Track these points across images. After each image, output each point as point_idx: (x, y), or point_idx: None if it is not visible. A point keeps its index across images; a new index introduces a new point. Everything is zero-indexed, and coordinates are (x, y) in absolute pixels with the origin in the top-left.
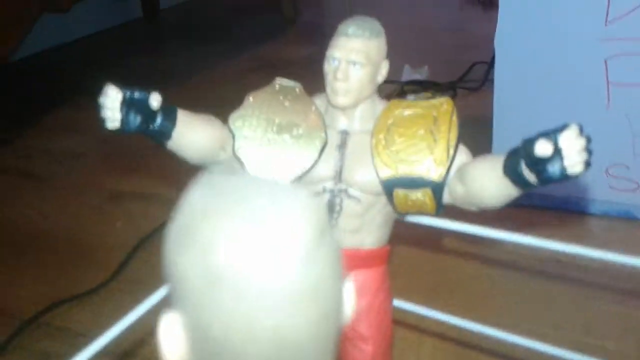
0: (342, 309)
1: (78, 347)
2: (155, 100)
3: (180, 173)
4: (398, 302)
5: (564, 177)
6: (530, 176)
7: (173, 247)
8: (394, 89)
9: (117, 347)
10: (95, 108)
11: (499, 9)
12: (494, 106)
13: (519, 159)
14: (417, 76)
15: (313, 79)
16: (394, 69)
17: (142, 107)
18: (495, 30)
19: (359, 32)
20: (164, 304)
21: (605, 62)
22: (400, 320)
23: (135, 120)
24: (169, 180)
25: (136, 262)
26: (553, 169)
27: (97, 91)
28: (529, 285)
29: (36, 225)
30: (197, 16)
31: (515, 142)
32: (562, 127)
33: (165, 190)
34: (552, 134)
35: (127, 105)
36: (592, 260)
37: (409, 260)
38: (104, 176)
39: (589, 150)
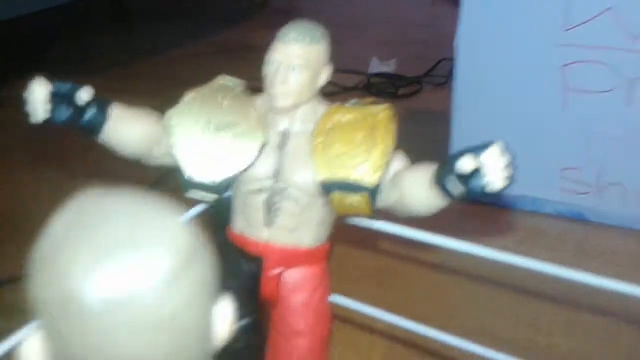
0: (210, 335)
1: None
2: (86, 92)
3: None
4: (338, 298)
5: (486, 193)
6: (456, 189)
7: (34, 274)
8: (360, 81)
9: None
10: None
11: (461, 8)
12: (453, 102)
13: (446, 172)
14: (385, 69)
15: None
16: (362, 61)
17: (71, 99)
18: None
19: (300, 37)
20: None
21: (563, 68)
22: (342, 317)
23: (66, 112)
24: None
25: None
26: (476, 184)
27: (48, 68)
28: (471, 287)
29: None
30: None
31: (474, 138)
32: (486, 145)
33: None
34: (475, 152)
35: (57, 98)
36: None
37: (350, 259)
38: (61, 154)
39: (512, 167)
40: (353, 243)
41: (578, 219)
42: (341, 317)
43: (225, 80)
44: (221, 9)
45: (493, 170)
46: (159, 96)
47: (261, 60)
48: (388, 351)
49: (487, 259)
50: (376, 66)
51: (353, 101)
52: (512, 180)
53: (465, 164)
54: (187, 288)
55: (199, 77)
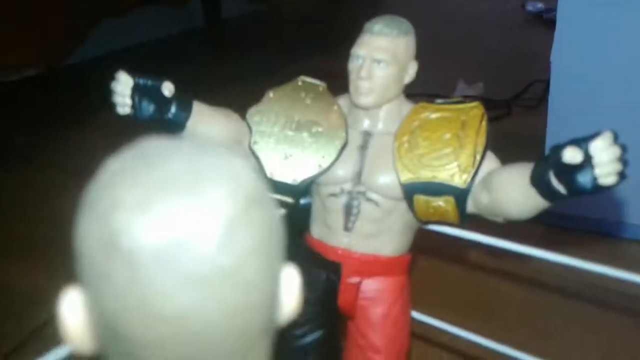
0: (277, 300)
1: None
2: (167, 88)
3: None
4: (418, 315)
5: (595, 188)
6: (558, 186)
7: (79, 214)
8: (428, 100)
9: None
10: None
11: (557, 27)
12: (548, 126)
13: (547, 168)
14: (471, 92)
15: None
16: (448, 84)
17: (154, 95)
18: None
19: (386, 30)
20: None
21: None
22: (421, 335)
23: (149, 107)
24: None
25: None
26: (583, 179)
27: None
28: (554, 306)
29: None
30: (257, 27)
31: None
32: (595, 135)
33: None
34: (582, 141)
35: (140, 92)
36: (620, 282)
37: (434, 273)
38: None
39: (624, 161)
40: (435, 253)
41: None
42: (419, 334)
43: (306, 79)
44: (312, 38)
45: (604, 161)
46: None
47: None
48: None
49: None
50: (462, 89)
51: (440, 100)
52: (624, 175)
53: (573, 154)
54: (247, 236)
55: None
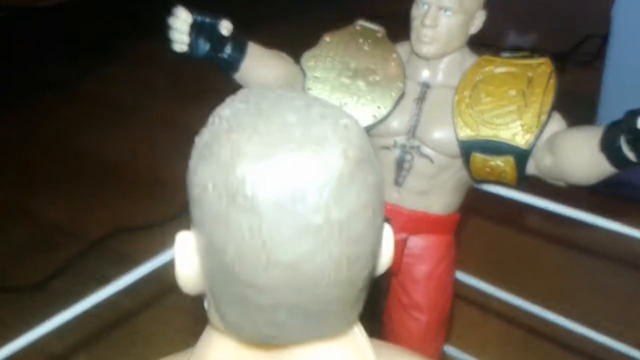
0: (378, 254)
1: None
2: (225, 28)
3: None
4: (463, 276)
5: None
6: (629, 153)
7: (197, 157)
8: (493, 52)
9: (168, 275)
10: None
11: None
12: (603, 85)
13: (619, 133)
14: (523, 43)
15: (399, 36)
16: (497, 33)
17: (211, 33)
18: (613, 2)
19: None
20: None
21: None
22: (465, 296)
23: (205, 46)
24: None
25: None
26: None
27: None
28: (611, 279)
29: (112, 155)
30: None
31: None
32: None
33: None
34: None
35: (197, 30)
36: None
37: (483, 233)
38: (181, 112)
39: None
40: (485, 214)
41: None
42: (462, 294)
43: (364, 24)
44: None
45: None
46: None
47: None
48: (505, 333)
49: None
50: (514, 40)
51: (506, 53)
52: None
53: None
54: (356, 192)
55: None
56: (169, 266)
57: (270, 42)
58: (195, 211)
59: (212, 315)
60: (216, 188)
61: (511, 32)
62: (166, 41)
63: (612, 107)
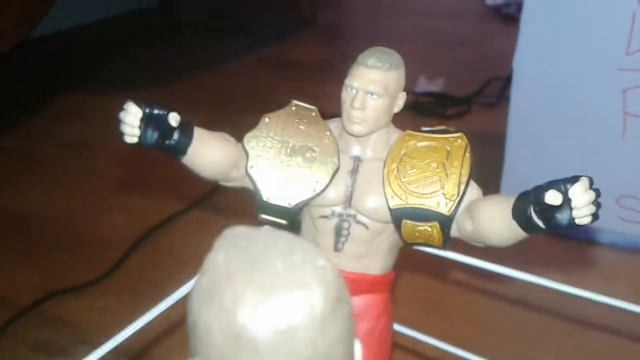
0: None
1: (73, 339)
2: (173, 119)
3: (186, 170)
4: (398, 327)
5: (571, 226)
6: (538, 221)
7: (200, 303)
8: (407, 100)
9: (129, 349)
10: (104, 94)
11: (520, 28)
12: (508, 124)
13: (528, 204)
14: (432, 88)
15: (326, 81)
16: (409, 79)
17: (160, 123)
18: (514, 46)
19: (379, 63)
20: (178, 306)
21: (624, 92)
22: (400, 344)
23: (153, 135)
24: (176, 176)
25: (136, 257)
26: (561, 217)
27: (105, 79)
28: (532, 320)
29: (36, 212)
30: (213, 9)
31: (527, 161)
32: (573, 179)
33: (169, 185)
34: (562, 185)
35: (146, 121)
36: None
37: (415, 288)
38: (109, 166)
39: (597, 204)
40: (417, 271)
41: (633, 248)
42: (399, 344)
43: (299, 104)
44: (269, 24)
45: (581, 204)
46: (207, 111)
47: (309, 75)
48: None
49: (545, 289)
50: (423, 85)
51: (426, 128)
52: (597, 216)
53: (554, 197)
54: (337, 325)
55: (246, 91)
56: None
57: (195, 90)
58: (199, 346)
59: None
60: (222, 330)
61: (422, 78)
62: (118, 134)
63: (517, 144)
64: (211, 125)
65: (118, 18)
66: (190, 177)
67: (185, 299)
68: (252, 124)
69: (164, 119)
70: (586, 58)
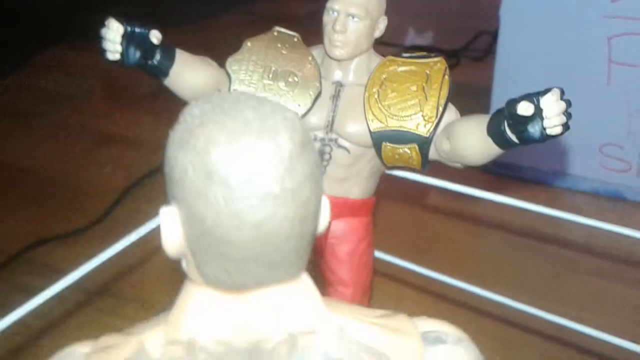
0: (319, 217)
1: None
2: (154, 36)
3: (172, 120)
4: (381, 254)
5: (544, 137)
6: (511, 136)
7: (175, 147)
8: (395, 53)
9: (92, 283)
10: (86, 48)
11: None
12: (494, 78)
13: (501, 119)
14: (421, 41)
15: (312, 37)
16: (397, 33)
17: (142, 42)
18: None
19: None
20: (138, 244)
21: (609, 40)
22: (383, 272)
23: (135, 54)
24: (161, 127)
25: (123, 206)
26: (533, 129)
27: (89, 31)
28: (502, 247)
29: (26, 164)
30: None
31: None
32: (545, 91)
33: (155, 136)
34: (534, 97)
35: (128, 39)
36: (571, 232)
37: (394, 215)
38: (93, 118)
39: (568, 114)
40: (397, 197)
41: (614, 196)
42: (380, 270)
43: (280, 31)
44: None
45: (552, 114)
46: None
47: (299, 29)
48: (421, 303)
49: (523, 217)
50: (411, 38)
51: (406, 54)
52: (567, 127)
53: (526, 107)
54: (302, 167)
55: (232, 46)
56: (95, 272)
57: (183, 45)
58: (176, 190)
59: (192, 272)
60: (195, 170)
61: (410, 32)
62: (100, 52)
63: (503, 98)
64: None
65: None
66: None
67: (146, 236)
68: None
69: (145, 37)
70: (572, 5)
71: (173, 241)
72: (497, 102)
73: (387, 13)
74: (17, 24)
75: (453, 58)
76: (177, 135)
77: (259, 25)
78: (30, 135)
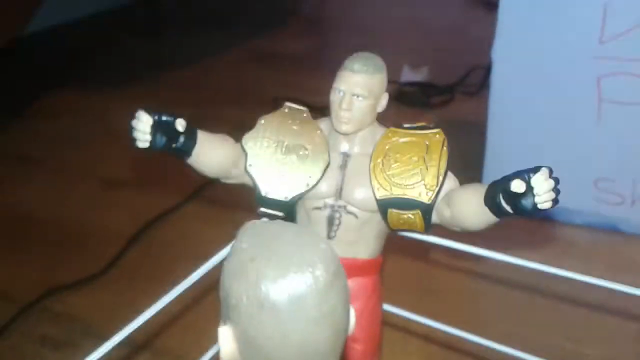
0: (348, 327)
1: (76, 332)
2: (180, 124)
3: (180, 163)
4: (387, 306)
5: (535, 210)
6: (506, 207)
7: (231, 280)
8: (392, 89)
9: (131, 340)
10: (91, 91)
11: (497, 20)
12: (489, 113)
13: (497, 192)
14: (416, 77)
15: (309, 73)
16: (393, 69)
17: (167, 129)
18: (493, 36)
19: (364, 68)
20: (179, 300)
21: (598, 79)
22: (389, 323)
23: (162, 140)
24: (169, 171)
25: (134, 251)
26: (526, 202)
27: (92, 75)
28: (511, 296)
29: (33, 210)
30: (197, 3)
31: (508, 148)
32: (535, 169)
33: (164, 180)
34: (525, 175)
35: (155, 127)
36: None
37: (399, 269)
38: (101, 163)
39: (557, 190)
40: (401, 253)
41: (609, 229)
42: (388, 322)
43: (291, 106)
44: (252, 17)
45: (542, 191)
46: (191, 104)
47: (291, 67)
48: (427, 353)
49: (523, 268)
50: (407, 74)
51: (407, 125)
52: (557, 201)
53: (518, 186)
54: (336, 292)
55: (231, 84)
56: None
57: (181, 85)
58: (232, 314)
59: None
60: (249, 298)
61: (406, 67)
62: (131, 140)
63: (498, 132)
64: (197, 119)
65: (104, 14)
66: (182, 171)
67: (183, 293)
68: (237, 118)
69: (171, 125)
70: (562, 47)
71: (230, 354)
72: (492, 136)
73: (381, 49)
74: (26, 67)
75: (448, 94)
76: (232, 267)
77: (257, 63)
78: (38, 181)
